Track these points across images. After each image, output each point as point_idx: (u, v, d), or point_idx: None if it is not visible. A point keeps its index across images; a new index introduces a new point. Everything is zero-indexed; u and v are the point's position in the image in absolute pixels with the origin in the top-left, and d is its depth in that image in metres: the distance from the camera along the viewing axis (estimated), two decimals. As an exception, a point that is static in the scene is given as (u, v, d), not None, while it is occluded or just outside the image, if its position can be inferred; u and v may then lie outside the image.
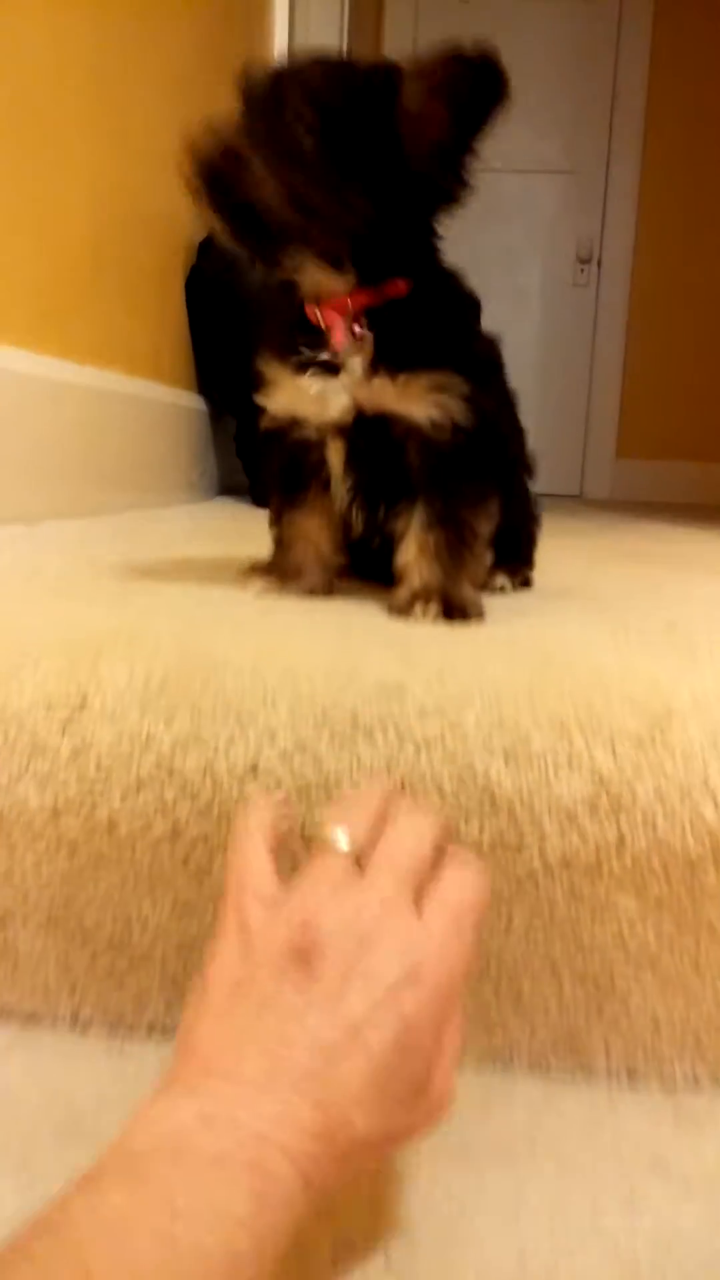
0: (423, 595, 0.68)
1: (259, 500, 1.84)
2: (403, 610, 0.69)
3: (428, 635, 0.61)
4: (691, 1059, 0.50)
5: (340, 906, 0.36)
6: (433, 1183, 0.42)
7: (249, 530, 1.31)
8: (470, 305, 0.75)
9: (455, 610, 0.67)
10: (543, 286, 3.76)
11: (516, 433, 0.82)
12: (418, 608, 0.68)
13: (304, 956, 0.35)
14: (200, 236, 1.84)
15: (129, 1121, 0.31)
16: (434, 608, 0.67)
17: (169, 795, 0.49)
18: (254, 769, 0.49)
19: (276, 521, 0.76)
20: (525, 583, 0.89)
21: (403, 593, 0.69)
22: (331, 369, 0.68)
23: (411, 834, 0.39)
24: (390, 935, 0.35)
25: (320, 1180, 0.31)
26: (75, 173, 1.30)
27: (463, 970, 0.37)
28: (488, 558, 0.76)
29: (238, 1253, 0.28)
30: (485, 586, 0.80)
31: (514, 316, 3.69)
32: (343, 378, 0.68)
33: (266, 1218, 0.29)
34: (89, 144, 1.33)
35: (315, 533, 0.75)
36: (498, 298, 3.62)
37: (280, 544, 0.76)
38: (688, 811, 0.46)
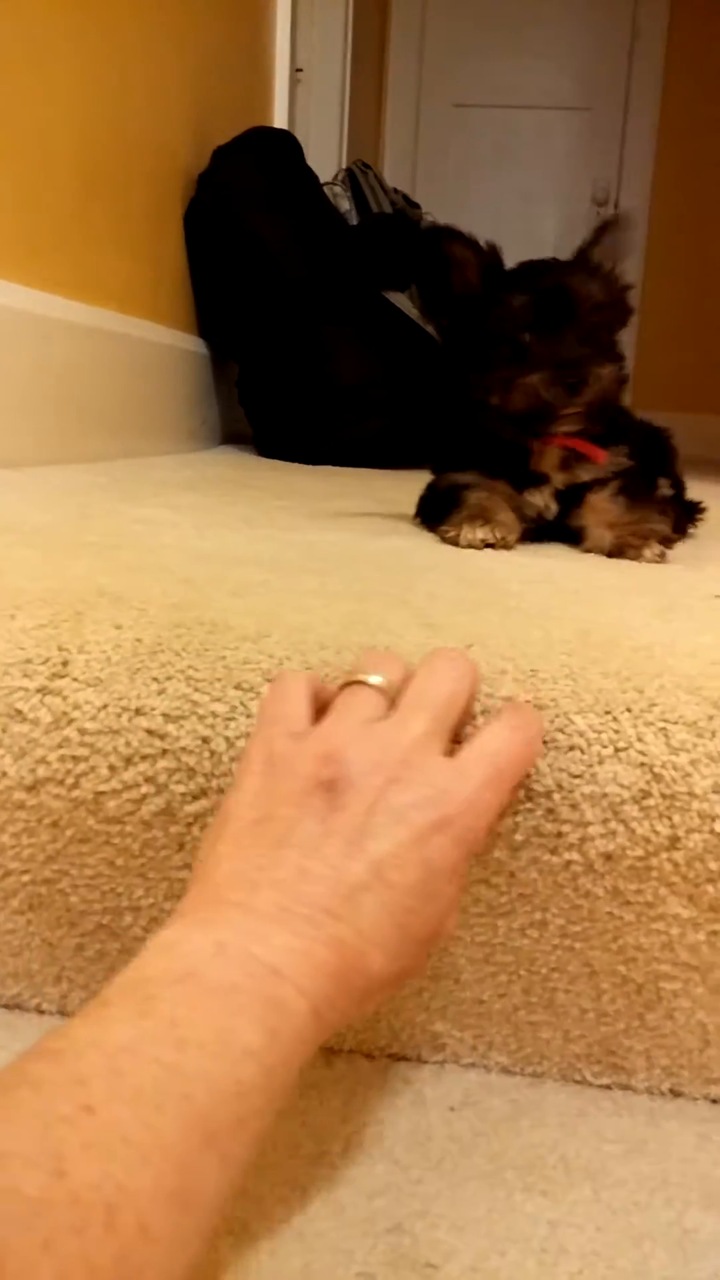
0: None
1: (264, 449, 1.76)
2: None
3: (451, 599, 0.55)
4: (744, 1076, 0.44)
5: (369, 741, 0.34)
6: (463, 1206, 0.37)
7: (251, 479, 1.24)
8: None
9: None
10: (558, 230, 3.63)
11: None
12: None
13: (328, 788, 0.33)
14: (200, 169, 1.75)
15: (141, 951, 0.30)
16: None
17: (162, 771, 0.43)
18: (257, 747, 0.43)
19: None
20: None
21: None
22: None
23: (448, 676, 0.37)
24: (420, 775, 0.34)
25: (333, 1019, 0.31)
26: (63, 100, 1.21)
27: (491, 824, 0.35)
28: None
29: (245, 1083, 0.27)
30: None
31: (526, 262, 3.57)
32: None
33: (277, 1052, 0.28)
34: (79, 70, 1.24)
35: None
36: (512, 242, 3.48)
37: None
38: (756, 808, 0.40)
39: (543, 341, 0.74)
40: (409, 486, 1.04)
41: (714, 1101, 0.45)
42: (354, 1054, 0.46)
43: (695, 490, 1.01)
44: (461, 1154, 0.41)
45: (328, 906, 0.31)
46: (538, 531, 0.82)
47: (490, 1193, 0.39)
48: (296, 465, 1.56)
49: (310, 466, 1.56)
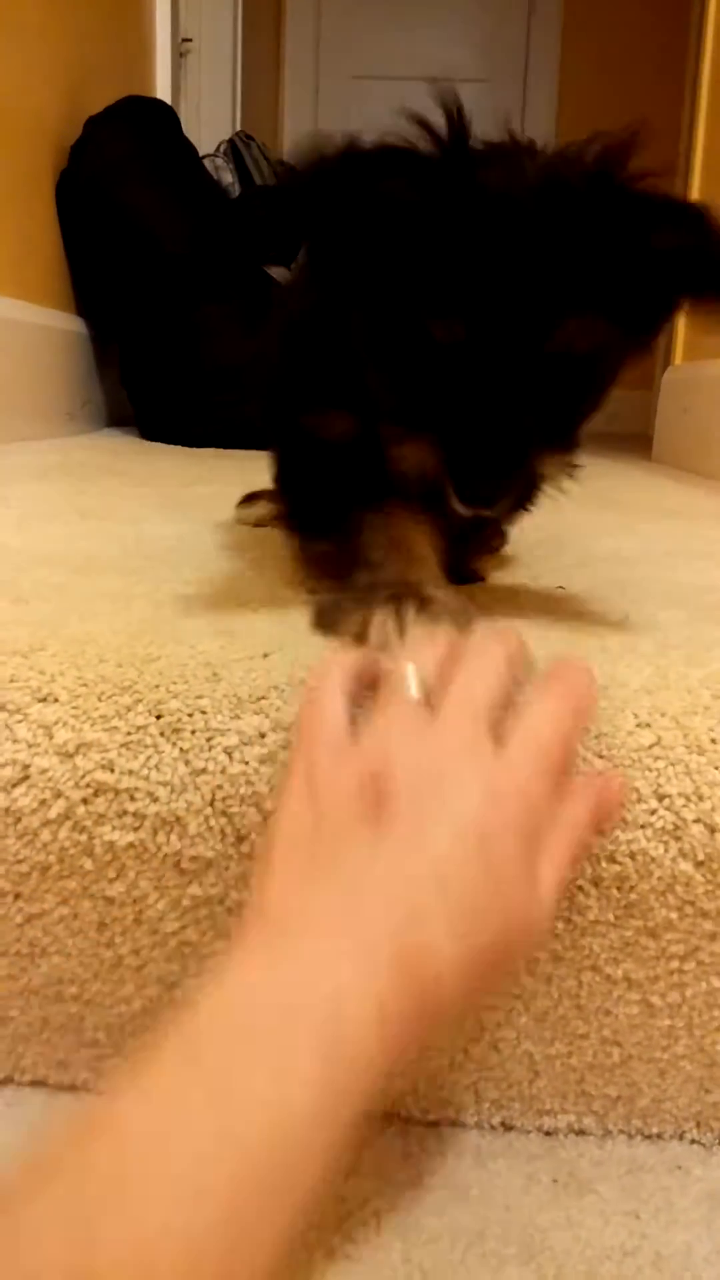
0: None
1: (147, 432, 1.69)
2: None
3: (256, 600, 0.50)
4: (576, 1107, 0.41)
5: (412, 749, 0.33)
6: None
7: (118, 465, 1.18)
8: None
9: None
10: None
11: None
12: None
13: (376, 801, 0.32)
14: (73, 138, 1.66)
15: (197, 988, 0.29)
16: None
17: None
18: (25, 774, 0.38)
19: None
20: None
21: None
22: None
23: (487, 670, 0.35)
24: (469, 773, 0.32)
25: (403, 1044, 0.29)
26: None
27: (549, 798, 0.33)
28: None
29: (302, 1115, 0.26)
30: None
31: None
32: None
33: (339, 1081, 0.27)
34: None
35: None
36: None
37: None
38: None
39: (473, 399, 0.42)
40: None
41: (547, 1134, 0.42)
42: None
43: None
44: (266, 1216, 0.37)
45: (386, 928, 0.29)
46: None
47: (289, 1260, 0.35)
48: (177, 448, 1.50)
49: (191, 449, 1.49)
